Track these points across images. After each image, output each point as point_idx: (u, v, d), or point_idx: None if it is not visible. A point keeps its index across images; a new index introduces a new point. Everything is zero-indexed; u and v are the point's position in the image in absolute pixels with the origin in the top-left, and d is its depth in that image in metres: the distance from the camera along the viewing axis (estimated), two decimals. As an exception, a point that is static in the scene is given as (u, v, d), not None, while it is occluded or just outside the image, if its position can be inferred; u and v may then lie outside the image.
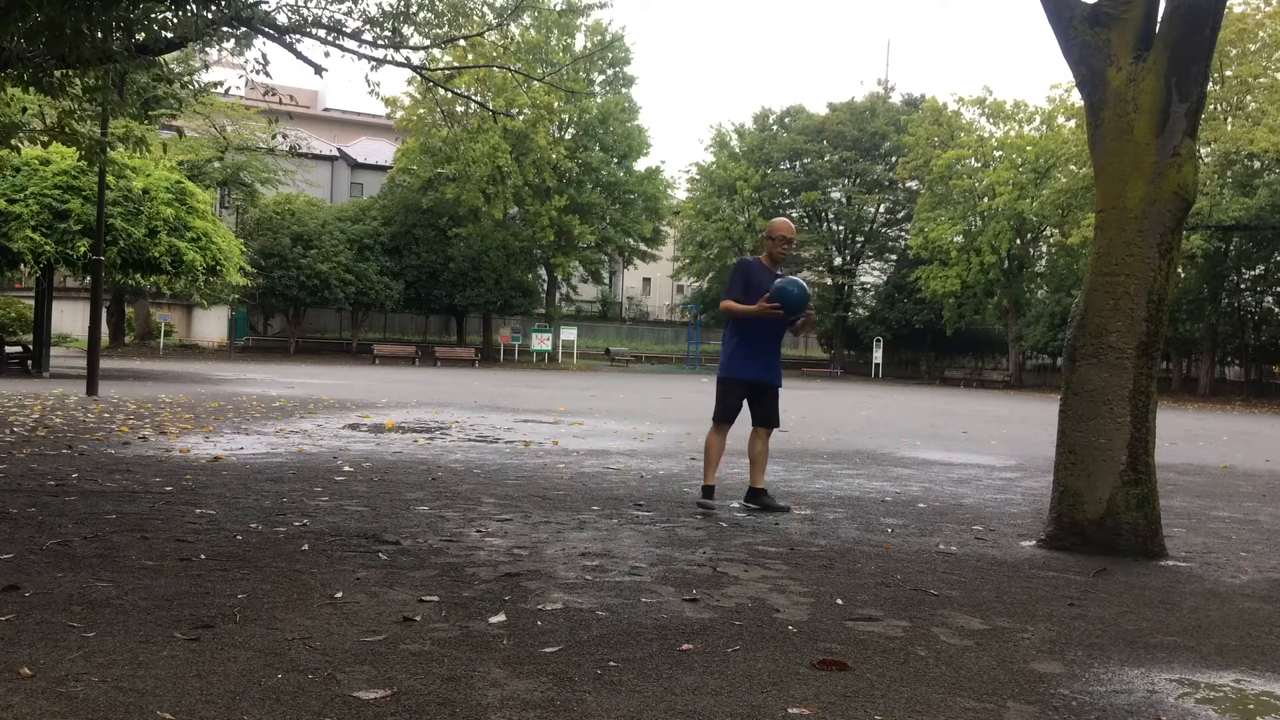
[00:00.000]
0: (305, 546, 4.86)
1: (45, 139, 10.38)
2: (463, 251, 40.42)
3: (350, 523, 5.57)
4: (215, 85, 29.57)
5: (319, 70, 11.90)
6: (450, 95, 33.40)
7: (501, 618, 3.74)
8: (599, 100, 43.17)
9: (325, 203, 44.78)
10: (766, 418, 6.75)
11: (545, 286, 45.59)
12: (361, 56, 12.21)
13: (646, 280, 62.17)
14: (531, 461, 8.65)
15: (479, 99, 34.95)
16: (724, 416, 6.73)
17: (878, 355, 47.90)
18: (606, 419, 14.35)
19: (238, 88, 28.74)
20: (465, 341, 44.83)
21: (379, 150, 53.70)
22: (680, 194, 50.63)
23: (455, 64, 27.15)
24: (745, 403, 6.77)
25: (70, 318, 36.87)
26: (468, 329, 46.12)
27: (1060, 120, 42.15)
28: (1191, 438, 16.13)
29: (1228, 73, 36.09)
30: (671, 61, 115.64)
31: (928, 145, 44.07)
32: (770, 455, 10.34)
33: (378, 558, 4.69)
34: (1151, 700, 3.17)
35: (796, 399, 23.98)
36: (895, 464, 10.08)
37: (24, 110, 13.98)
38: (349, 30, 11.99)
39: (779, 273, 6.73)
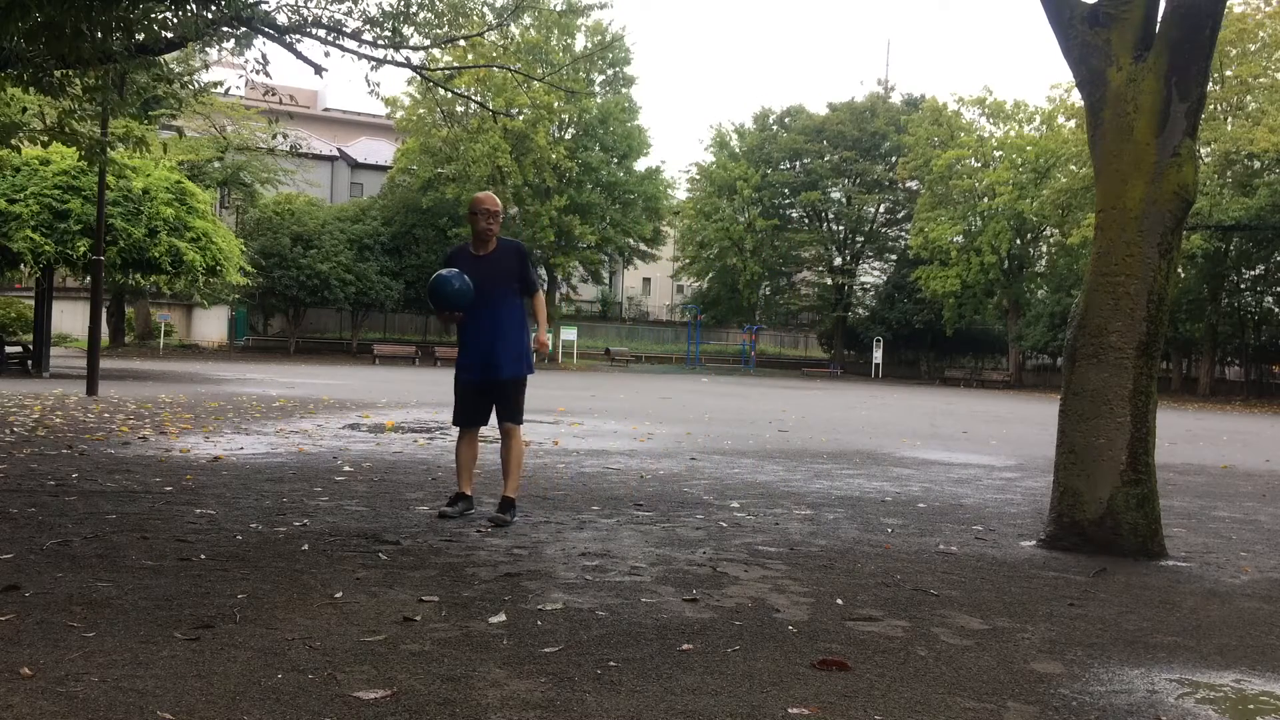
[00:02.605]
0: (305, 546, 4.86)
1: (45, 139, 10.38)
2: (463, 251, 40.39)
3: (350, 523, 5.57)
4: (215, 85, 29.54)
5: (319, 70, 11.92)
6: (450, 95, 33.44)
7: (501, 618, 3.74)
8: (599, 100, 43.16)
9: (325, 203, 44.76)
10: (507, 412, 5.97)
11: (545, 286, 45.61)
12: (361, 56, 12.22)
13: (646, 280, 62.17)
14: (532, 461, 8.65)
15: (479, 99, 34.97)
16: (460, 420, 6.09)
17: (878, 355, 47.90)
18: (606, 419, 14.35)
19: (238, 88, 28.73)
20: (465, 341, 44.75)
21: (379, 150, 53.70)
22: (680, 194, 50.64)
23: (455, 64, 27.15)
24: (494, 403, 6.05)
25: (70, 318, 36.86)
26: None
27: (1060, 120, 42.16)
28: (1191, 438, 16.13)
29: (1228, 73, 36.09)
30: (671, 61, 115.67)
31: (928, 145, 44.07)
32: (771, 455, 10.38)
33: (378, 558, 4.69)
34: (1151, 700, 3.17)
35: (797, 399, 23.98)
36: (895, 464, 10.08)
37: (24, 110, 13.98)
38: (349, 30, 12.00)
39: (480, 253, 6.00)
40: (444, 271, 5.85)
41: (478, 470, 6.67)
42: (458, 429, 6.15)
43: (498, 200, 6.13)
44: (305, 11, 11.72)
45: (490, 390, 5.98)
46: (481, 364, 5.93)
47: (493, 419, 6.12)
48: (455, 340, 36.14)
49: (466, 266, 5.93)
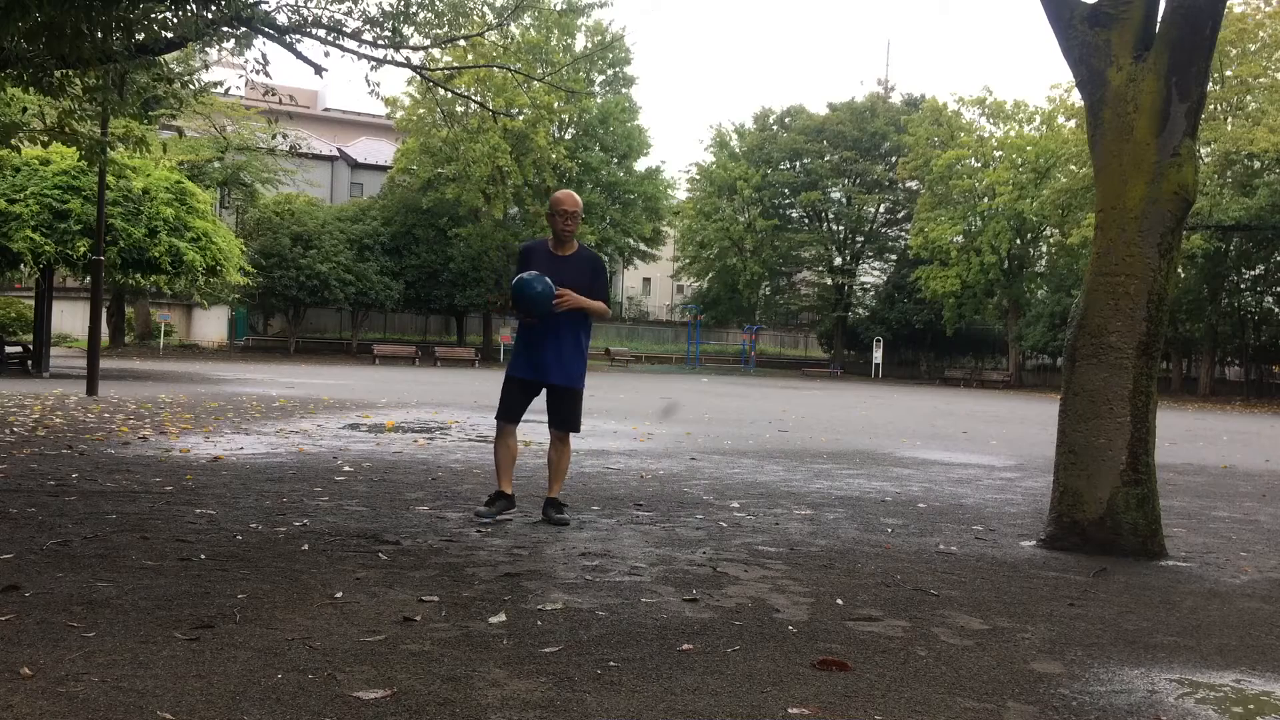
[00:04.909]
0: (305, 546, 4.86)
1: (45, 139, 10.38)
2: (463, 251, 40.40)
3: (350, 523, 5.56)
4: (215, 85, 29.58)
5: (319, 70, 11.92)
6: (450, 95, 33.41)
7: (501, 618, 3.74)
8: (599, 100, 43.15)
9: (325, 203, 44.75)
10: (558, 420, 6.04)
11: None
12: (361, 56, 12.22)
13: (646, 280, 62.18)
14: (532, 461, 8.64)
15: (479, 99, 34.96)
16: (503, 414, 6.00)
17: (878, 355, 47.88)
18: (606, 419, 14.35)
19: (238, 88, 28.81)
20: (465, 341, 44.81)
21: (379, 150, 53.69)
22: (680, 194, 50.62)
23: (455, 64, 27.16)
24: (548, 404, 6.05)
25: (70, 318, 36.86)
26: (468, 329, 46.11)
27: (1060, 120, 42.13)
28: (1191, 438, 16.13)
29: (1228, 73, 36.08)
30: (672, 61, 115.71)
31: (928, 145, 44.06)
32: (771, 455, 10.37)
33: (378, 558, 4.69)
34: (1151, 700, 3.17)
35: (797, 399, 23.98)
36: (895, 464, 10.08)
37: (24, 110, 13.98)
38: (349, 30, 12.00)
39: (561, 253, 5.94)
40: (526, 275, 5.69)
41: (477, 472, 6.69)
42: (497, 425, 6.04)
43: (578, 199, 6.01)
44: (305, 11, 11.72)
45: (551, 393, 5.93)
46: (548, 364, 5.84)
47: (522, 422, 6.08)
48: (456, 340, 35.81)
49: (544, 265, 5.82)
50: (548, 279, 5.68)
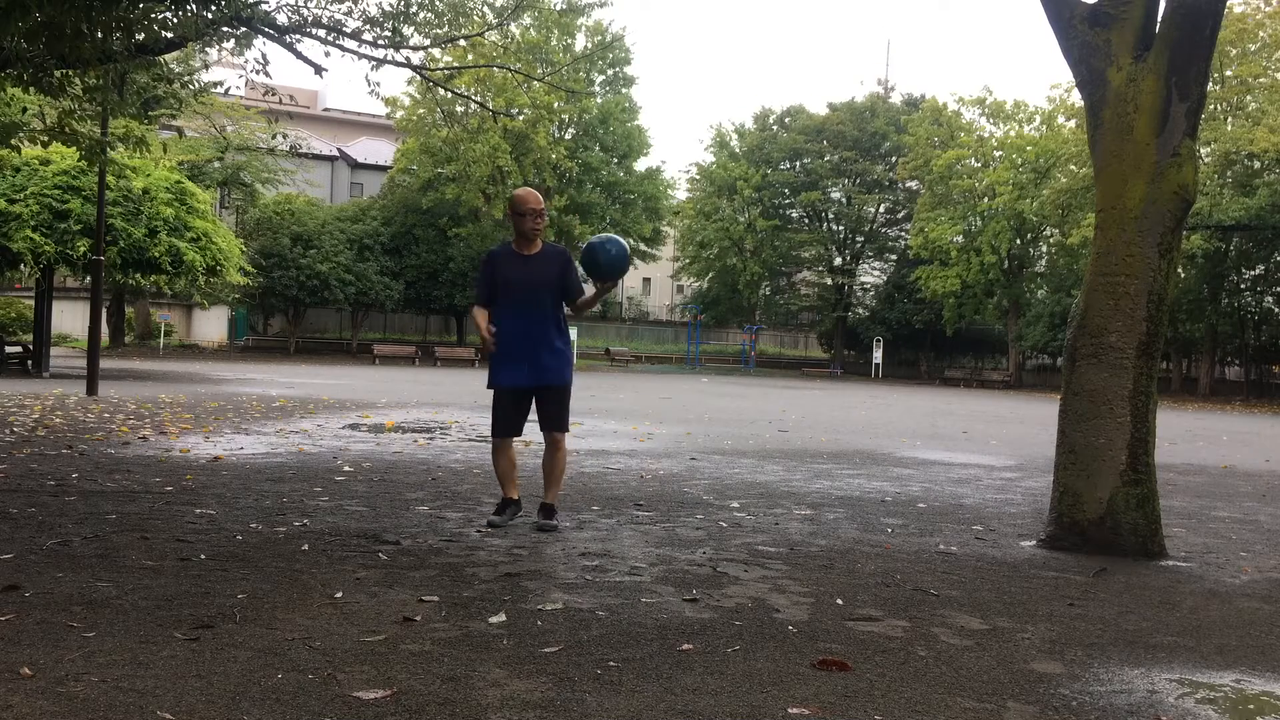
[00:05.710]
0: (305, 546, 4.86)
1: (45, 139, 10.39)
2: (463, 251, 40.41)
3: (350, 523, 5.57)
4: (215, 85, 29.62)
5: (319, 70, 11.94)
6: (450, 95, 33.43)
7: (501, 618, 3.74)
8: (599, 100, 43.16)
9: (325, 203, 44.78)
10: (551, 421, 5.78)
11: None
12: (361, 56, 12.24)
13: (646, 280, 62.16)
14: (532, 462, 8.64)
15: (479, 99, 34.97)
16: (502, 431, 5.77)
17: (878, 355, 47.88)
18: (606, 419, 14.35)
19: (238, 88, 28.82)
20: (465, 341, 44.79)
21: (379, 150, 53.71)
22: (680, 194, 50.64)
23: (455, 64, 27.16)
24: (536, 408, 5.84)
25: (70, 318, 36.86)
26: (468, 329, 46.07)
27: (1060, 120, 42.16)
28: (1191, 438, 16.13)
29: (1228, 73, 36.09)
30: (671, 61, 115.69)
31: (928, 145, 44.06)
32: (771, 455, 10.38)
33: (378, 558, 4.69)
34: (1151, 700, 3.17)
35: (797, 399, 23.98)
36: (895, 464, 10.08)
37: (24, 110, 13.99)
38: (349, 30, 12.02)
39: (526, 253, 5.79)
40: (595, 240, 5.66)
41: (477, 472, 6.68)
42: (495, 441, 5.82)
43: (540, 197, 5.94)
44: (305, 11, 11.74)
45: (537, 396, 5.78)
46: (529, 369, 5.70)
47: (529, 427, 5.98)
48: (456, 340, 35.64)
49: (512, 266, 5.77)
50: (618, 238, 5.70)
